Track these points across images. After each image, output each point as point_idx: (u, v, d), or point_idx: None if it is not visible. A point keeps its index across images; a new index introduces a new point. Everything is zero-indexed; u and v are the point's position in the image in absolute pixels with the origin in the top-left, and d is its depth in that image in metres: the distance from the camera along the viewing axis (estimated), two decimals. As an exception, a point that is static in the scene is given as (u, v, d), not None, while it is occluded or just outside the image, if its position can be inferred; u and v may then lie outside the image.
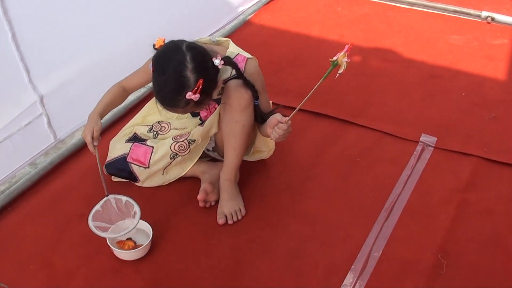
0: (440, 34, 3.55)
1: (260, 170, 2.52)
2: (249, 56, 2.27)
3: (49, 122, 2.55)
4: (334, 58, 1.90)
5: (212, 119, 2.31)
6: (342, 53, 1.89)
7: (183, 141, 2.30)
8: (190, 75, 1.98)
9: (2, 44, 2.26)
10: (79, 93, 2.62)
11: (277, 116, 2.11)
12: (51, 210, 2.32)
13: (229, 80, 2.23)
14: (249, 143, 2.41)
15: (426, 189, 2.41)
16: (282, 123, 2.08)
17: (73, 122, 2.67)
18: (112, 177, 2.41)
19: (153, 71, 2.07)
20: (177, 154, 2.30)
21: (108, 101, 2.30)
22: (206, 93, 2.04)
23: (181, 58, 2.00)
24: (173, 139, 2.32)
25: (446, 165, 2.54)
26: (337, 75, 1.90)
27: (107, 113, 2.33)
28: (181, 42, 2.07)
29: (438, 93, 3.01)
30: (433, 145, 2.63)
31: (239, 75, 2.19)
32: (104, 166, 2.35)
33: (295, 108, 2.03)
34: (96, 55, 2.67)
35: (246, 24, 3.65)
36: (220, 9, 3.55)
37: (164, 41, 2.09)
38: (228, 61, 2.12)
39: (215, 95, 2.14)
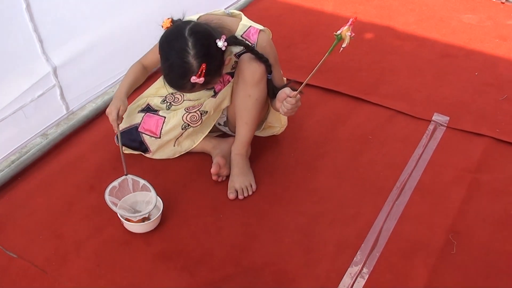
0: (454, 13, 3.52)
1: (272, 146, 2.51)
2: (262, 27, 2.26)
3: (62, 94, 2.54)
4: (338, 32, 1.86)
5: (225, 92, 2.31)
6: (346, 27, 1.85)
7: (195, 112, 2.29)
8: (192, 61, 1.99)
9: (16, 14, 2.24)
10: (92, 65, 2.61)
11: (286, 90, 2.10)
12: (61, 181, 2.32)
13: (242, 53, 2.22)
14: (261, 118, 2.40)
15: (438, 169, 2.40)
16: (290, 97, 2.07)
17: (86, 94, 2.66)
18: (124, 148, 2.40)
19: (160, 55, 2.10)
20: (188, 125, 2.30)
21: (131, 80, 2.32)
22: (211, 74, 2.05)
23: (183, 45, 2.00)
24: (186, 109, 2.31)
25: (458, 145, 2.52)
26: (341, 49, 1.87)
27: (131, 92, 2.34)
28: (184, 25, 2.05)
29: (451, 72, 2.99)
30: (446, 125, 2.61)
31: (249, 50, 2.18)
32: (115, 135, 2.34)
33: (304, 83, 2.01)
34: (109, 27, 2.65)
35: (258, -1, 3.62)
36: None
37: (171, 22, 2.08)
38: (232, 41, 2.11)
39: (227, 70, 2.15)
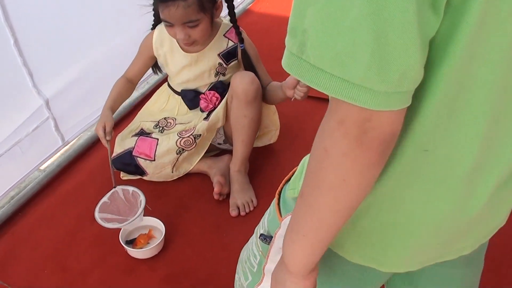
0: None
1: (269, 158, 2.51)
2: (240, 29, 2.35)
3: (56, 125, 2.54)
4: None
5: (217, 113, 2.31)
6: None
7: (188, 136, 2.30)
8: None
9: (5, 50, 2.24)
10: (83, 95, 2.61)
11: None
12: (62, 212, 2.32)
13: (224, 52, 2.30)
14: (257, 130, 2.41)
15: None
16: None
17: (80, 124, 2.66)
18: (121, 174, 2.40)
19: None
20: (183, 149, 2.30)
21: (116, 95, 2.34)
22: None
23: None
24: (178, 134, 2.31)
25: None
26: None
27: (118, 107, 2.37)
28: None
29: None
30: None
31: (234, 21, 2.31)
32: (110, 161, 2.34)
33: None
34: (98, 55, 2.65)
35: (246, 13, 3.64)
36: (219, 1, 3.53)
37: None
38: None
39: (216, 15, 2.21)
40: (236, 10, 3.53)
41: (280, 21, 3.52)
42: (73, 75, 2.56)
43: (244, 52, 2.31)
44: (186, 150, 2.31)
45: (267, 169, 2.46)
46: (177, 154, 2.31)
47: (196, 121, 2.35)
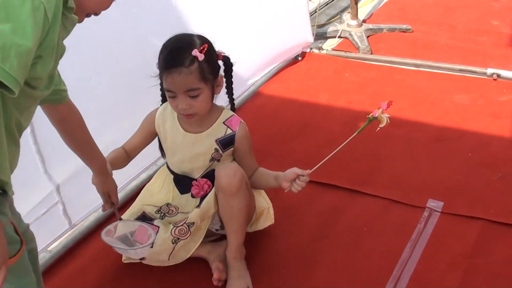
0: (447, 94, 3.59)
1: (268, 243, 2.56)
2: (241, 120, 2.43)
3: (64, 210, 2.61)
4: (370, 114, 2.09)
5: (208, 200, 2.35)
6: (380, 110, 2.08)
7: (182, 225, 2.34)
8: (196, 39, 2.23)
9: (22, 138, 2.34)
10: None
11: (296, 170, 2.23)
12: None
13: (222, 139, 2.36)
14: (251, 217, 2.47)
15: (433, 256, 2.43)
16: (303, 176, 2.21)
17: (87, 207, 2.73)
18: (123, 257, 2.46)
19: (160, 50, 2.25)
20: (178, 238, 2.34)
21: (111, 157, 2.40)
22: (209, 63, 2.22)
23: (189, 34, 2.28)
24: (173, 224, 2.36)
25: (453, 230, 2.56)
26: (378, 128, 2.11)
27: (115, 168, 2.41)
28: None
29: (445, 155, 3.04)
30: (440, 210, 2.66)
31: (228, 79, 2.43)
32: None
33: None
34: (105, 143, 2.72)
35: (255, 95, 3.73)
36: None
37: None
38: (226, 58, 2.38)
39: (216, 91, 2.31)
40: (246, 93, 3.69)
41: (287, 104, 3.64)
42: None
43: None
44: (181, 239, 2.35)
45: (265, 254, 2.51)
46: (172, 243, 2.34)
47: (190, 209, 2.41)
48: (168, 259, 2.39)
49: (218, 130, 2.37)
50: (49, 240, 2.60)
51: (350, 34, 4.29)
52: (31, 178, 2.44)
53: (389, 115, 2.10)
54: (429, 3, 4.87)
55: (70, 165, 2.57)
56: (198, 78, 2.19)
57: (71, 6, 1.49)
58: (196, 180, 2.41)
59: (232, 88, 2.49)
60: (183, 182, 2.44)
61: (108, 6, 1.64)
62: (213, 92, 2.29)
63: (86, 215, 2.74)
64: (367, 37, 4.29)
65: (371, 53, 4.12)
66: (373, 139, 3.18)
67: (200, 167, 2.39)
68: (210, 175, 2.39)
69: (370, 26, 4.43)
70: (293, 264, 2.46)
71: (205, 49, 2.18)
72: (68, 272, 2.49)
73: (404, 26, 4.44)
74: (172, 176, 2.48)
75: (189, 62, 2.16)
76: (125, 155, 2.46)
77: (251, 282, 2.35)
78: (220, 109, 2.41)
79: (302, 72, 3.99)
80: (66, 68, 1.84)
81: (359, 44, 4.17)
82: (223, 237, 2.51)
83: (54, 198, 2.55)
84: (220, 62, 2.35)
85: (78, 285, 2.43)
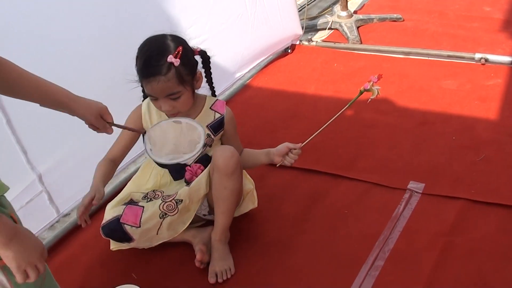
0: (434, 81, 3.62)
1: (250, 227, 2.62)
2: (225, 102, 2.54)
3: (50, 198, 2.69)
4: (362, 87, 2.17)
5: (199, 180, 2.42)
6: (371, 82, 2.16)
7: (170, 201, 2.40)
8: (170, 43, 2.26)
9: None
10: (77, 169, 2.76)
11: (288, 144, 2.36)
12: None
13: (212, 123, 2.45)
14: (239, 201, 2.53)
15: (411, 236, 2.47)
16: (295, 149, 2.34)
17: (74, 196, 2.79)
18: (111, 245, 2.52)
19: (136, 56, 2.29)
20: (166, 213, 2.39)
21: (102, 173, 2.42)
22: (186, 65, 2.26)
23: (162, 35, 2.30)
24: (162, 199, 2.42)
25: (433, 210, 2.60)
26: (369, 100, 2.19)
27: (106, 183, 2.43)
28: None
29: (429, 139, 3.08)
30: (421, 191, 2.69)
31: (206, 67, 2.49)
32: (100, 228, 2.47)
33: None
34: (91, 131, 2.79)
35: (244, 88, 3.79)
36: (218, 76, 3.64)
37: None
38: (203, 53, 2.42)
39: (196, 87, 2.38)
40: (234, 86, 3.74)
41: (275, 95, 3.69)
42: (65, 150, 2.71)
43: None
44: (168, 215, 2.39)
45: (248, 237, 2.57)
46: (160, 218, 2.39)
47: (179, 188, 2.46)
48: (157, 233, 2.44)
49: (207, 116, 2.45)
50: (39, 228, 2.66)
51: (340, 25, 4.33)
52: (13, 168, 2.51)
53: (379, 87, 2.18)
54: (421, -8, 4.90)
55: (52, 155, 2.64)
56: (177, 83, 2.25)
57: None
58: (190, 166, 2.47)
59: (211, 79, 2.56)
60: (175, 169, 2.50)
61: None
62: (194, 89, 2.37)
63: (73, 204, 2.81)
64: (358, 27, 4.33)
65: (361, 43, 4.15)
66: (358, 126, 3.24)
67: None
68: (203, 160, 2.46)
69: (361, 16, 4.47)
70: (273, 246, 2.51)
71: (180, 52, 2.22)
72: (60, 260, 2.57)
73: (394, 15, 4.47)
74: (159, 168, 2.53)
75: (165, 70, 2.22)
76: (112, 165, 2.49)
77: (233, 264, 2.41)
78: (203, 96, 2.49)
79: (291, 64, 4.04)
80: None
81: (349, 34, 4.21)
82: (208, 223, 2.58)
83: (37, 187, 2.62)
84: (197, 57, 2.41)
85: (69, 272, 2.50)
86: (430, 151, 2.98)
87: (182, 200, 2.42)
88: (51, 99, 1.89)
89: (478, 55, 3.74)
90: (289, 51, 4.16)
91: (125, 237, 2.47)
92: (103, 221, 2.50)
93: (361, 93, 2.19)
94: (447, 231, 2.46)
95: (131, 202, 2.51)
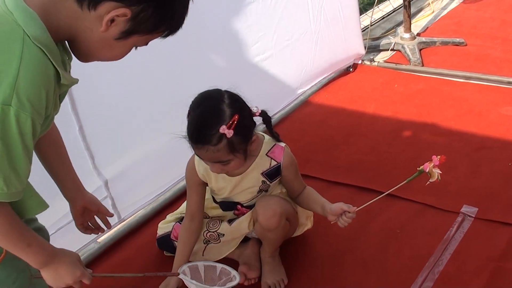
0: (493, 106, 3.62)
1: (303, 242, 2.67)
2: (283, 144, 2.36)
3: (113, 204, 2.79)
4: (421, 167, 2.12)
5: (240, 221, 2.46)
6: (431, 164, 2.12)
7: (213, 231, 2.47)
8: (226, 108, 2.03)
9: (71, 134, 2.54)
10: (141, 178, 2.86)
11: (343, 206, 2.20)
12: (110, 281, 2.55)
13: (268, 171, 2.34)
14: (290, 235, 2.56)
15: (461, 259, 2.49)
16: (349, 212, 2.19)
17: (136, 203, 2.90)
18: (165, 252, 2.63)
19: (188, 112, 2.11)
20: (209, 241, 2.48)
21: (183, 249, 2.41)
22: (240, 134, 2.06)
23: (218, 95, 2.08)
24: (206, 226, 2.48)
25: (485, 235, 2.61)
26: (428, 182, 2.14)
27: (188, 257, 2.41)
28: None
29: (485, 164, 3.09)
30: (474, 216, 2.71)
31: (274, 136, 2.35)
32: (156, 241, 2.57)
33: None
34: (157, 143, 2.88)
35: (305, 104, 3.84)
36: (280, 92, 3.74)
37: None
38: (264, 114, 2.23)
39: (251, 149, 2.20)
40: (295, 101, 3.81)
41: (334, 113, 3.74)
42: (132, 160, 2.80)
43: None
44: (212, 243, 2.48)
45: (300, 251, 2.62)
46: (204, 243, 2.48)
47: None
48: (202, 255, 2.50)
49: (262, 163, 2.31)
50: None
51: (403, 47, 4.36)
52: (81, 173, 2.61)
53: (440, 171, 2.12)
54: (486, 17, 4.89)
55: (119, 162, 2.75)
56: (227, 152, 2.08)
57: (64, 83, 1.41)
58: (241, 205, 2.45)
59: (272, 130, 2.37)
60: (227, 204, 2.48)
61: (119, 59, 1.47)
62: (246, 153, 2.18)
63: (135, 211, 2.91)
64: (420, 50, 4.36)
65: (422, 65, 4.18)
66: (415, 147, 3.27)
67: (248, 199, 2.41)
68: (250, 206, 2.46)
69: (423, 39, 4.49)
70: (324, 261, 2.57)
71: (235, 122, 2.02)
72: (114, 262, 2.67)
73: (457, 40, 4.48)
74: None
75: (216, 140, 2.03)
76: (193, 226, 2.42)
77: (285, 275, 2.48)
78: (260, 141, 2.32)
79: (352, 83, 4.09)
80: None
81: (411, 56, 4.24)
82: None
83: (103, 192, 2.72)
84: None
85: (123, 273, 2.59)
86: (485, 176, 2.99)
87: (224, 234, 2.47)
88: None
89: (539, 83, 3.74)
90: (351, 70, 4.21)
91: (175, 251, 2.51)
92: (157, 235, 2.62)
93: (419, 172, 2.13)
94: (497, 256, 2.48)
95: (182, 220, 2.55)
